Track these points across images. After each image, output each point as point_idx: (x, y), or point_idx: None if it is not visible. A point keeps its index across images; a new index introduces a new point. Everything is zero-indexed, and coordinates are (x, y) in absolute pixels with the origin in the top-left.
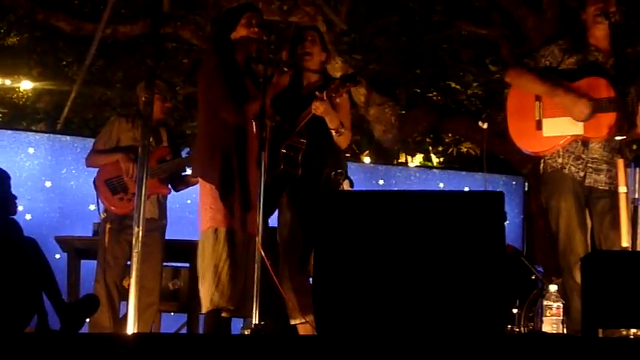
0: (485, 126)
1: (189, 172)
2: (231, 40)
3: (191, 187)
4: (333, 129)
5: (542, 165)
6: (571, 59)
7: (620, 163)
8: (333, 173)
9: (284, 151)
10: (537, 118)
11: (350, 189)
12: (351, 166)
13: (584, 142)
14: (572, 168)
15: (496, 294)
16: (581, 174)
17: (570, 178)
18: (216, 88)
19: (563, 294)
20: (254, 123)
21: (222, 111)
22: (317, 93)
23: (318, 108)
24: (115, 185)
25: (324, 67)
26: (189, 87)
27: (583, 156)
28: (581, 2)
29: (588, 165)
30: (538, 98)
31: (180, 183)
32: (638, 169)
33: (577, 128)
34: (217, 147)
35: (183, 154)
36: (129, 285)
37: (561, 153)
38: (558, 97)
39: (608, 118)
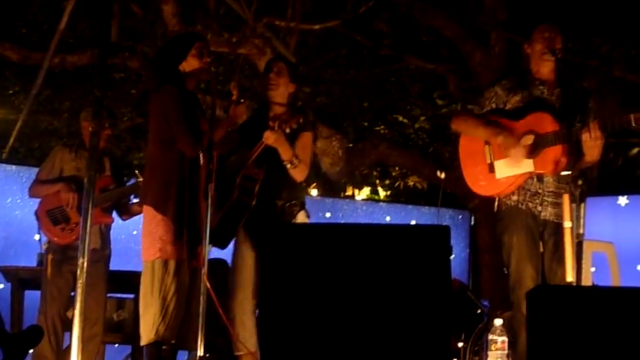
0: (442, 176)
1: (134, 201)
2: (181, 70)
3: (136, 218)
4: (286, 160)
5: (496, 203)
6: (516, 97)
7: (566, 198)
8: (287, 205)
9: (240, 180)
10: (489, 162)
11: (306, 221)
12: None
13: (539, 177)
14: (530, 204)
15: (442, 327)
16: (539, 208)
17: (525, 214)
18: (176, 120)
19: (510, 328)
20: (202, 155)
21: (181, 143)
22: (270, 123)
23: (269, 138)
24: (56, 216)
25: (291, 98)
26: (136, 117)
27: (540, 191)
28: (526, 37)
29: (544, 198)
30: (487, 142)
31: (125, 212)
32: (582, 205)
33: (528, 166)
34: (172, 179)
35: (127, 183)
36: (73, 316)
37: (516, 190)
38: (499, 140)
39: (555, 152)
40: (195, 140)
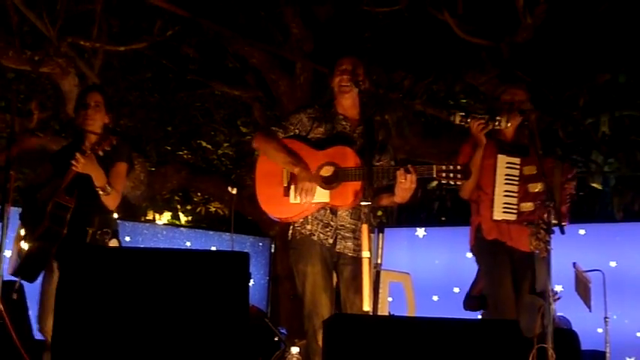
0: (234, 191)
1: None
2: None
3: None
4: (99, 187)
5: (291, 231)
6: (320, 128)
7: (365, 228)
8: (99, 232)
9: (51, 208)
10: (285, 185)
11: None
12: None
13: (333, 210)
14: (322, 235)
15: (238, 354)
16: (331, 240)
17: (319, 245)
18: None
19: (305, 356)
20: None
21: None
22: (83, 147)
23: (79, 161)
24: None
25: (106, 127)
26: None
27: (332, 223)
28: (330, 71)
29: (337, 231)
30: None
31: None
32: (381, 235)
33: (323, 196)
34: None
35: None
36: None
37: (310, 220)
38: (289, 167)
39: (353, 187)
40: None
